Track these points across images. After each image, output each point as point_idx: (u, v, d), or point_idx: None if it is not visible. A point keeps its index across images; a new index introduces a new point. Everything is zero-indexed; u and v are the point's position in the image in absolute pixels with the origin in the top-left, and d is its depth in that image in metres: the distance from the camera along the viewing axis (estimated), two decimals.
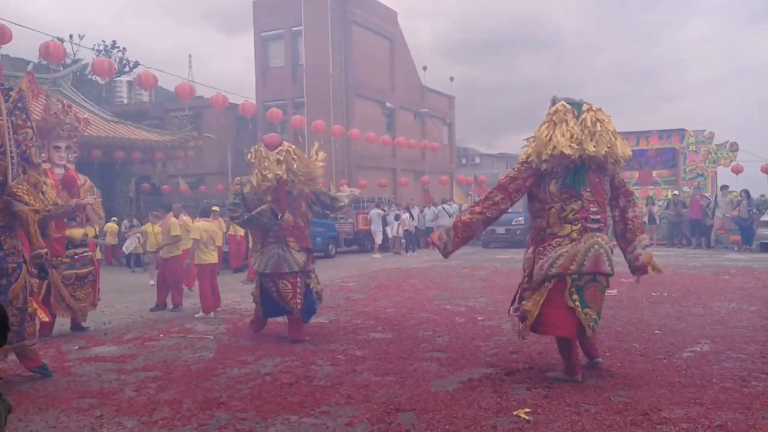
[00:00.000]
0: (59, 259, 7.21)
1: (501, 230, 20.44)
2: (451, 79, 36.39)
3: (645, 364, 5.33)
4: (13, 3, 64.41)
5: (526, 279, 5.16)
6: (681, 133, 22.70)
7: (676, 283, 10.48)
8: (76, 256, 7.40)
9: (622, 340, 6.24)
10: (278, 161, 6.63)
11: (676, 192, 20.32)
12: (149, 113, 29.79)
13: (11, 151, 5.12)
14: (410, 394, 4.57)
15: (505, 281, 11.44)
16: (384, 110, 30.29)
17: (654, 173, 22.76)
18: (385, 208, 20.87)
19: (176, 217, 9.96)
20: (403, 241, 20.19)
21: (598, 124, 4.97)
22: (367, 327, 7.37)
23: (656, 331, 6.63)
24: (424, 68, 33.81)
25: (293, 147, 6.96)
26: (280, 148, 6.78)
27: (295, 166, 6.71)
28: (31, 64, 19.90)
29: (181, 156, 22.04)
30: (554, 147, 4.86)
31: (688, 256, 15.47)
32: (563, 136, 4.89)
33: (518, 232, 20.10)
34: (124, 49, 36.08)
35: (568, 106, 5.08)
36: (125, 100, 35.22)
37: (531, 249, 5.20)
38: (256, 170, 6.65)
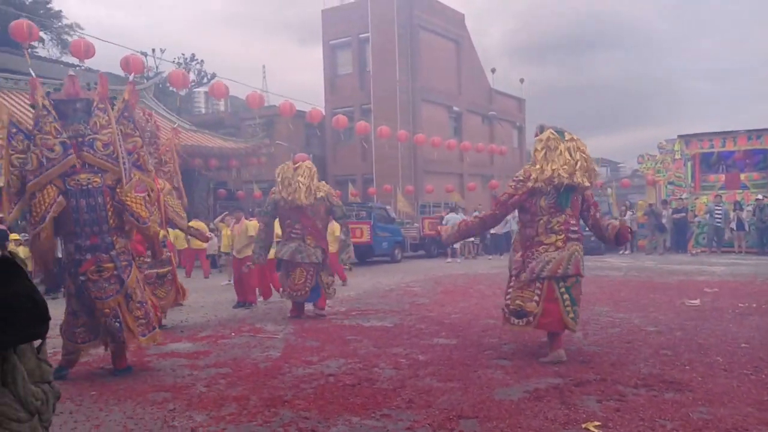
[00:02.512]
0: (141, 258, 7.55)
1: None
2: (521, 81, 35.74)
3: (729, 379, 4.99)
4: (101, 20, 68.72)
5: (513, 278, 6.06)
6: None
7: (767, 293, 9.79)
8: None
9: (704, 353, 5.88)
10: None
11: (760, 197, 18.96)
12: (225, 122, 30.94)
13: (123, 157, 5.46)
14: (473, 402, 4.49)
15: None
16: (451, 114, 30.09)
17: (742, 176, 21.29)
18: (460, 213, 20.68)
19: (238, 221, 10.41)
20: (478, 243, 19.93)
21: (578, 154, 5.98)
22: (431, 332, 7.32)
23: (743, 345, 6.19)
24: (493, 70, 33.36)
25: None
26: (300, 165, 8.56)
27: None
28: (132, 76, 21.16)
29: (255, 163, 22.77)
30: (557, 174, 5.82)
31: None
32: (562, 165, 5.85)
33: (592, 238, 19.27)
34: (202, 61, 37.71)
35: (556, 134, 6.03)
36: (203, 110, 36.82)
37: (519, 253, 6.07)
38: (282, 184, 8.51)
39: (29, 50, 29.25)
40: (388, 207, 20.97)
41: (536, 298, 5.77)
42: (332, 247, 11.86)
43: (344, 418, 4.17)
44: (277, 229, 9.19)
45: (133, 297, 5.52)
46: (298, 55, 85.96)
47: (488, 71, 33.07)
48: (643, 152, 22.69)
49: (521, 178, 6.07)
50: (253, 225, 10.11)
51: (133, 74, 10.82)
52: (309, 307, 8.85)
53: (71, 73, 5.87)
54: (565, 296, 5.74)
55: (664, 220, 19.24)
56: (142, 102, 20.11)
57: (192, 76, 39.23)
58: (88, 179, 5.38)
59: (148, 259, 7.61)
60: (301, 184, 8.39)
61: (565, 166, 5.85)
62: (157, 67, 31.75)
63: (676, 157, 21.40)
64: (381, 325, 7.79)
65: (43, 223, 5.17)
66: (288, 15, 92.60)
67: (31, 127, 5.40)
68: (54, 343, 5.81)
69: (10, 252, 1.75)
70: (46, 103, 5.37)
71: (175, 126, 7.49)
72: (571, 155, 5.94)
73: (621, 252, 19.52)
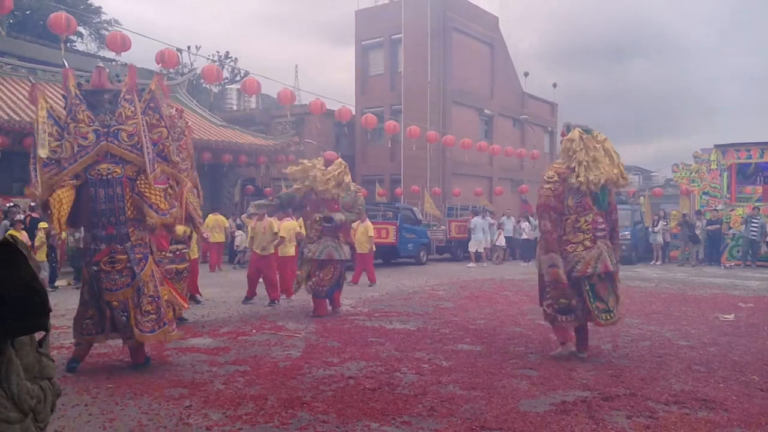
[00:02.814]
0: (163, 254, 7.58)
1: None
2: (554, 85, 35.36)
3: (766, 400, 4.76)
4: (141, 16, 70.10)
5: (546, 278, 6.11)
6: None
7: None
8: (177, 252, 7.79)
9: (739, 371, 5.62)
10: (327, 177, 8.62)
11: None
12: (256, 119, 31.15)
13: (147, 148, 5.45)
14: (497, 412, 4.35)
15: None
16: (482, 117, 29.83)
17: None
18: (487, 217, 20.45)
19: (261, 219, 10.36)
20: (506, 249, 19.66)
21: (614, 155, 6.10)
22: (455, 337, 7.17)
23: None
24: (526, 74, 32.99)
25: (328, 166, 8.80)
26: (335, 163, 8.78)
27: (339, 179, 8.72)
28: (162, 71, 21.54)
29: (283, 160, 22.82)
30: (605, 174, 5.94)
31: None
32: (607, 165, 5.97)
33: (624, 247, 18.85)
34: (235, 59, 38.13)
35: (587, 134, 6.12)
36: (234, 107, 37.10)
37: (548, 254, 6.07)
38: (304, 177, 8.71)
39: (68, 44, 29.94)
40: (414, 208, 20.81)
41: (572, 294, 5.99)
42: (363, 248, 12.02)
43: (363, 424, 4.07)
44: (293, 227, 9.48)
45: (145, 291, 5.44)
46: (331, 56, 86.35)
47: (521, 75, 32.71)
48: (678, 161, 22.15)
49: (555, 178, 6.04)
50: (289, 225, 10.43)
51: (161, 67, 10.91)
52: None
53: (99, 64, 5.90)
54: (590, 293, 5.97)
55: (697, 231, 18.74)
56: (175, 97, 20.38)
57: (225, 74, 39.76)
58: (109, 169, 5.38)
59: (170, 254, 7.64)
60: (335, 178, 8.62)
61: (609, 168, 5.98)
62: (192, 64, 32.18)
63: (712, 167, 20.80)
64: (404, 328, 7.68)
65: (59, 225, 5.20)
66: (322, 16, 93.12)
67: (63, 116, 5.43)
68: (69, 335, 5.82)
69: (12, 236, 1.62)
70: (78, 92, 5.40)
71: (188, 123, 7.34)
72: (611, 156, 6.07)
73: (652, 263, 19.07)
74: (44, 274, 11.08)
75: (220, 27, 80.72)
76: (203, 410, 4.31)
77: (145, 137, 5.48)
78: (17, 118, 14.54)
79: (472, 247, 18.73)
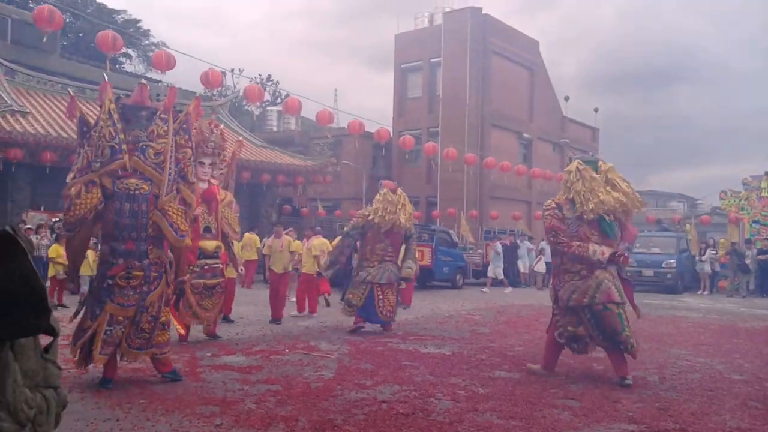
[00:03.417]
0: (190, 267, 7.50)
1: (649, 272, 18.41)
2: (596, 110, 34.82)
3: None
4: (186, 41, 72.49)
5: (554, 306, 6.31)
6: None
7: None
8: (206, 267, 7.58)
9: None
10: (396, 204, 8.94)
11: None
12: (295, 140, 31.57)
13: (170, 168, 5.48)
14: None
15: (653, 328, 10.34)
16: (521, 140, 29.56)
17: None
18: (517, 241, 20.06)
19: (278, 237, 10.44)
20: (546, 276, 19.20)
21: (620, 183, 6.19)
22: (492, 364, 6.93)
23: None
24: (566, 98, 32.63)
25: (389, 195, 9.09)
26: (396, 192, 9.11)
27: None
28: (197, 93, 22.10)
29: (320, 180, 23.01)
30: (603, 203, 5.97)
31: None
32: (606, 194, 6.02)
33: (669, 275, 18.21)
34: (277, 81, 38.92)
35: (585, 166, 6.26)
36: (274, 128, 37.74)
37: (552, 281, 6.50)
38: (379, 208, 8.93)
39: (117, 66, 31.02)
40: (451, 231, 20.58)
41: (578, 323, 6.06)
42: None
43: None
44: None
45: (149, 310, 5.36)
46: (369, 81, 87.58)
47: (561, 99, 32.37)
48: (725, 188, 21.40)
49: (553, 205, 6.25)
50: (319, 242, 10.65)
51: (205, 88, 11.13)
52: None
53: (143, 81, 5.99)
54: (591, 321, 5.98)
55: (747, 261, 17.96)
56: (218, 118, 20.80)
57: (267, 96, 40.58)
58: (137, 185, 5.37)
59: (197, 269, 7.54)
60: (404, 210, 8.94)
61: (607, 197, 6.06)
62: (235, 86, 32.91)
63: (763, 194, 20.08)
64: (439, 353, 7.48)
65: (82, 225, 5.22)
66: (363, 41, 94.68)
67: (90, 128, 5.51)
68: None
69: (12, 227, 1.51)
70: (112, 107, 5.45)
71: (240, 139, 7.49)
72: (613, 185, 6.17)
73: (699, 292, 18.35)
74: (84, 288, 11.26)
75: (264, 52, 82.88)
76: (233, 429, 4.21)
77: (171, 158, 5.49)
78: (65, 135, 15.05)
79: (491, 272, 18.19)
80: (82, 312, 5.42)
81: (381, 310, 8.82)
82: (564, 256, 6.08)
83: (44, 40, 12.24)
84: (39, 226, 13.16)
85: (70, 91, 8.75)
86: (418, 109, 29.06)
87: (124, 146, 5.38)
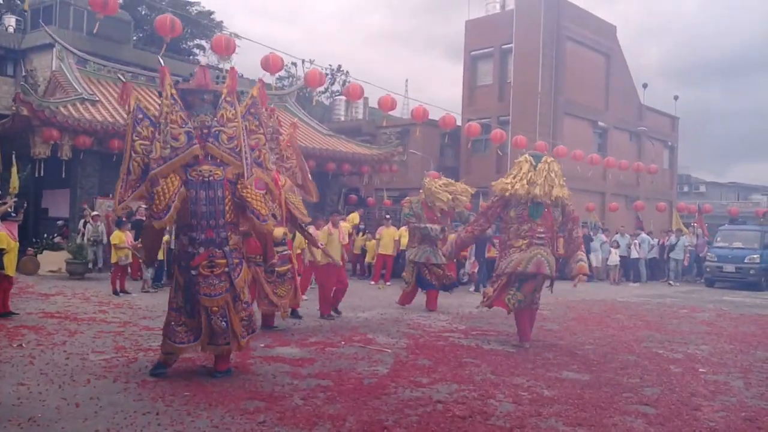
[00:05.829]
0: (258, 257, 7.47)
1: (730, 268, 17.22)
2: (675, 98, 32.68)
3: None
4: (258, 31, 74.07)
5: (494, 275, 7.64)
6: None
7: None
8: (276, 254, 7.58)
9: None
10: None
11: None
12: (362, 129, 31.49)
13: (246, 153, 5.36)
14: None
15: (735, 328, 9.54)
16: (595, 129, 28.21)
17: None
18: (590, 233, 19.10)
19: (336, 225, 10.05)
20: (620, 268, 18.27)
21: (545, 174, 7.30)
22: (559, 363, 6.48)
23: None
24: (644, 86, 30.80)
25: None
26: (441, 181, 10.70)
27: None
28: (264, 75, 22.34)
29: (386, 170, 22.76)
30: (514, 189, 7.27)
31: None
32: (520, 181, 7.27)
33: (752, 271, 16.87)
34: (347, 72, 39.01)
35: (529, 158, 7.51)
36: (342, 118, 37.89)
37: (498, 254, 8.06)
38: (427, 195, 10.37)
39: (190, 57, 31.93)
40: None
41: (495, 286, 7.38)
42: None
43: None
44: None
45: (241, 297, 5.34)
46: (441, 71, 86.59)
47: (639, 86, 30.63)
48: None
49: (497, 192, 7.53)
50: (392, 232, 11.71)
51: (266, 73, 11.04)
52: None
53: (203, 63, 5.88)
54: (516, 286, 7.21)
55: None
56: (285, 106, 20.97)
57: (337, 86, 40.73)
58: (210, 171, 5.27)
59: None
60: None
61: (535, 185, 7.18)
62: (305, 77, 33.13)
63: None
64: (502, 350, 7.09)
65: (168, 213, 5.11)
66: (437, 30, 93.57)
67: (157, 115, 5.41)
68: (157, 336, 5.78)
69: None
70: (174, 92, 5.36)
71: (295, 120, 7.30)
72: (540, 175, 7.25)
73: None
74: (147, 275, 11.49)
75: (338, 42, 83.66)
76: (277, 427, 4.02)
77: (244, 141, 5.38)
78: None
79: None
80: (169, 309, 5.42)
81: (435, 279, 10.23)
82: (510, 233, 7.39)
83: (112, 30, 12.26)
84: (96, 215, 13.57)
85: (121, 77, 8.85)
86: (489, 96, 28.27)
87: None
